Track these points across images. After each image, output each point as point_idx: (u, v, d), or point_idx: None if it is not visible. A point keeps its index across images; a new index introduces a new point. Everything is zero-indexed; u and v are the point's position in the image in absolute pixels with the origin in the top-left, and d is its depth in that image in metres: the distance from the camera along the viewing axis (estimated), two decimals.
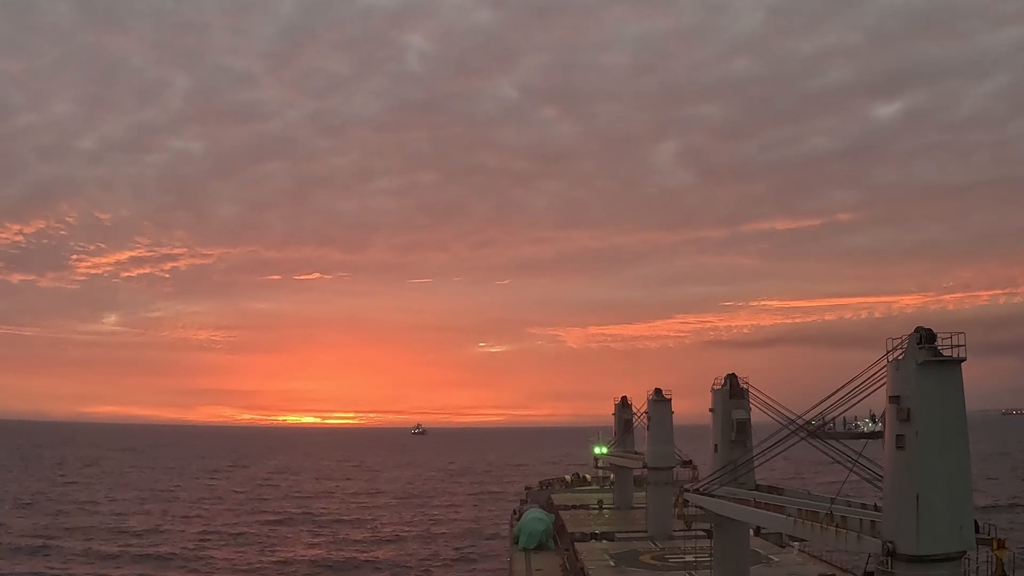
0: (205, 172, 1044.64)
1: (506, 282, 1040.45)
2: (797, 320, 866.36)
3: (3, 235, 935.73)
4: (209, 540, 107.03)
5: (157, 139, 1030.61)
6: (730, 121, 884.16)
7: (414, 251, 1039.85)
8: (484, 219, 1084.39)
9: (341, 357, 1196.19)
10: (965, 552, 25.88)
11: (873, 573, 26.90)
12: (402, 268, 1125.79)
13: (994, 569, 26.83)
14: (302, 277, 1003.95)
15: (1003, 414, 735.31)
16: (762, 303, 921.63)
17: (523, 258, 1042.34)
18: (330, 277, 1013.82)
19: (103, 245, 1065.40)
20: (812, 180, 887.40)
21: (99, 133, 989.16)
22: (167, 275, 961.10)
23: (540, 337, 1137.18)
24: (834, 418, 32.42)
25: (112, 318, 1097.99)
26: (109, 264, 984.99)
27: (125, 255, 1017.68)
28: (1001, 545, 26.49)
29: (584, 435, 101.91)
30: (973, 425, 27.70)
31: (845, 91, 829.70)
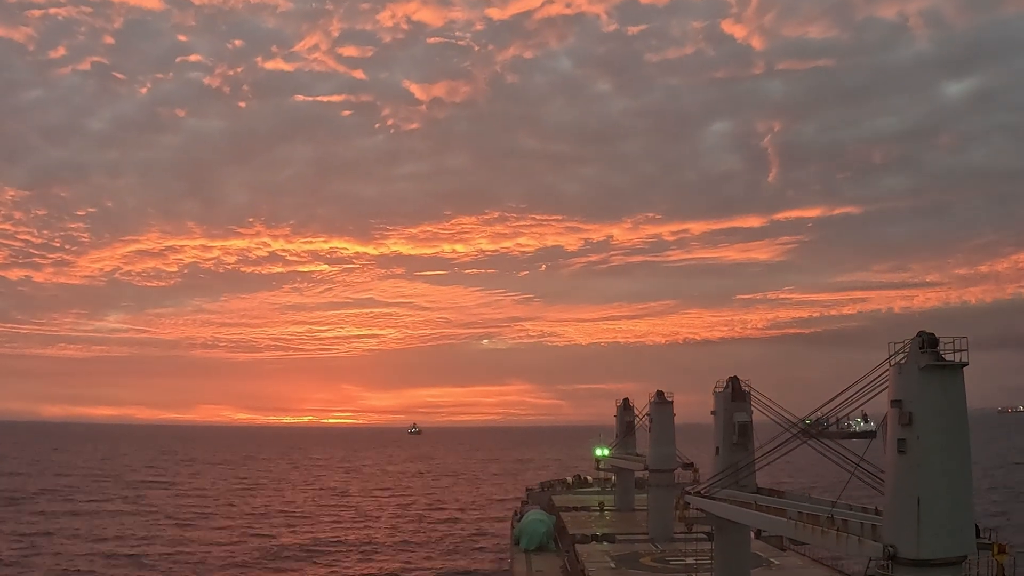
0: (220, 155, 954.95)
1: (523, 275, 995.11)
2: (815, 314, 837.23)
3: (5, 226, 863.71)
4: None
5: (173, 117, 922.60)
6: (793, 98, 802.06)
7: (431, 243, 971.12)
8: (511, 208, 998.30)
9: (339, 354, 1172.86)
10: (966, 556, 25.91)
11: None
12: (415, 260, 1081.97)
13: (995, 574, 26.87)
14: (307, 269, 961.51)
15: (1000, 412, 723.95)
16: (780, 297, 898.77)
17: (546, 250, 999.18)
18: (336, 270, 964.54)
19: (107, 236, 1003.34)
20: (863, 165, 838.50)
21: (111, 111, 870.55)
22: (173, 269, 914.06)
23: (547, 334, 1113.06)
24: (828, 419, 32.46)
25: (115, 315, 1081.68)
26: (114, 257, 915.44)
27: (131, 248, 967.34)
28: (1002, 550, 26.55)
29: (587, 435, 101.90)
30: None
31: (920, 66, 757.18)
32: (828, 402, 31.31)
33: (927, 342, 26.24)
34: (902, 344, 26.92)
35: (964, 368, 26.45)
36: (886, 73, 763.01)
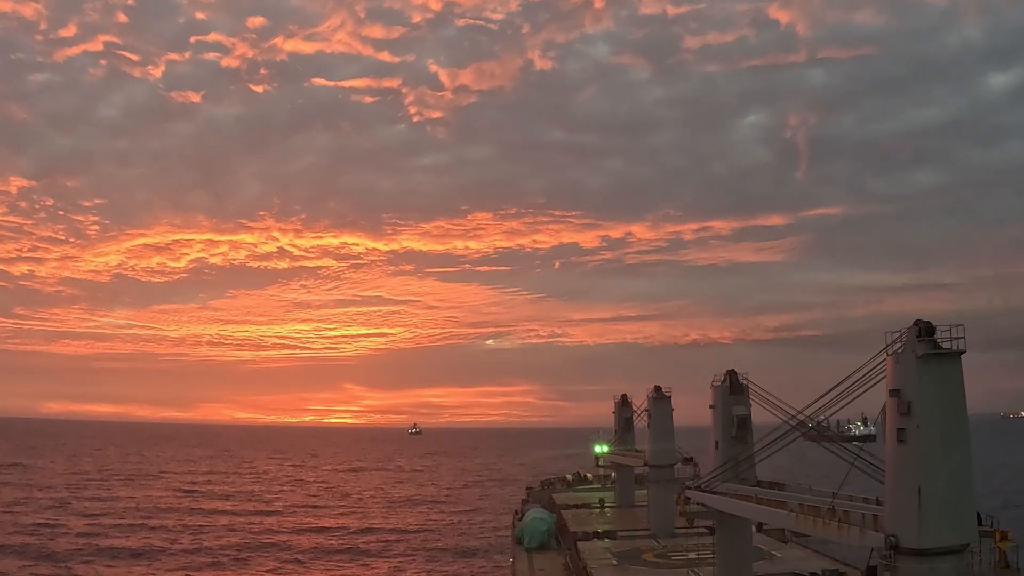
0: (234, 144, 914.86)
1: (536, 272, 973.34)
2: (828, 316, 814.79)
3: (10, 218, 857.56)
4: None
5: (187, 103, 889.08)
6: (832, 88, 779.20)
7: (444, 239, 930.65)
8: (530, 203, 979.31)
9: (345, 353, 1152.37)
10: (968, 545, 25.89)
11: (876, 567, 26.91)
12: (426, 257, 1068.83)
13: (997, 561, 26.84)
14: (315, 265, 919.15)
15: (1001, 417, 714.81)
16: (794, 298, 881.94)
17: (562, 247, 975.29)
18: (345, 266, 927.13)
19: (114, 230, 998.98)
20: (894, 160, 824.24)
21: (122, 96, 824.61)
22: (179, 264, 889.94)
23: (557, 334, 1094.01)
24: (828, 418, 32.39)
25: (119, 311, 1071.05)
26: (120, 252, 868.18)
27: (137, 241, 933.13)
28: (1004, 537, 26.54)
29: (588, 436, 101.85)
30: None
31: (966, 54, 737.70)
32: (826, 393, 31.24)
33: (924, 330, 26.20)
34: (899, 333, 26.88)
35: (962, 356, 26.40)
36: (930, 62, 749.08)
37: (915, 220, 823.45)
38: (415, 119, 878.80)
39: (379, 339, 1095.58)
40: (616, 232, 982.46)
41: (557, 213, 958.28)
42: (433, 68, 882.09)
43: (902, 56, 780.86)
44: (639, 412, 75.99)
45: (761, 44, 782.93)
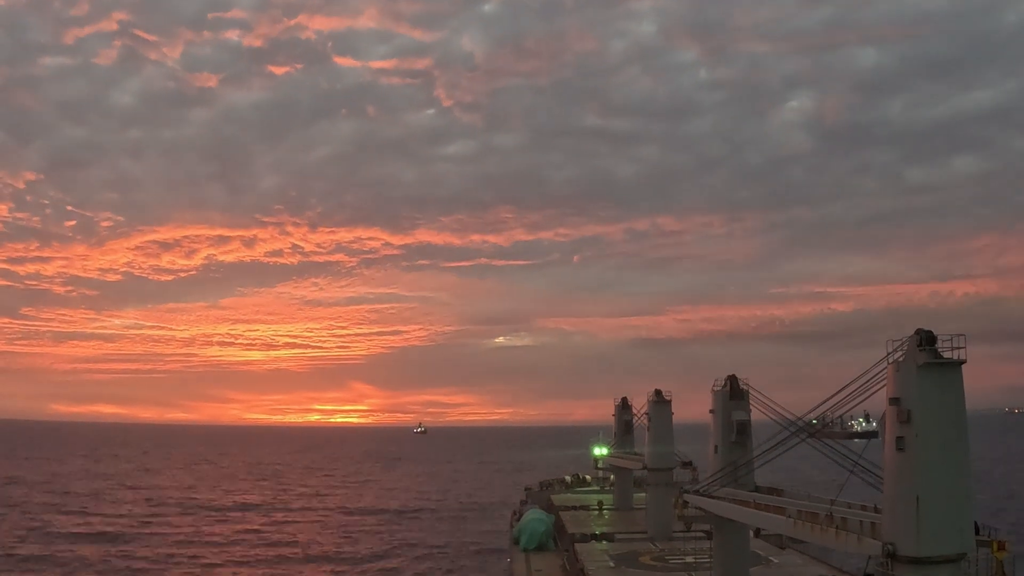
0: (253, 132, 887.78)
1: (554, 267, 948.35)
2: (847, 309, 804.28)
3: (17, 214, 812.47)
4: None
5: (205, 87, 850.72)
6: (883, 69, 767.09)
7: (462, 233, 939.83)
8: (556, 195, 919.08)
9: (356, 352, 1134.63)
10: (965, 554, 25.91)
11: (873, 575, 26.92)
12: (443, 251, 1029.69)
13: (994, 571, 26.85)
14: (328, 261, 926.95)
15: (1007, 412, 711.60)
16: (815, 290, 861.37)
17: (582, 240, 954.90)
18: (357, 262, 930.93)
19: (125, 227, 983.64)
20: (938, 146, 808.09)
21: (137, 81, 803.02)
22: (190, 262, 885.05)
23: (567, 331, 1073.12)
24: (830, 419, 32.40)
25: (129, 310, 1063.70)
26: (130, 249, 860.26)
27: (148, 238, 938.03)
28: (1001, 547, 26.53)
29: (590, 436, 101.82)
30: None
31: (1022, 32, 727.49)
32: (826, 400, 31.29)
33: (925, 340, 26.20)
34: (900, 342, 26.89)
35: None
36: (985, 41, 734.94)
37: (949, 211, 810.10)
38: (445, 103, 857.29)
39: (391, 337, 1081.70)
40: (641, 224, 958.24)
41: (582, 204, 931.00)
42: (467, 47, 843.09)
43: (957, 35, 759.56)
44: (639, 415, 76.03)
45: (814, 21, 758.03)
